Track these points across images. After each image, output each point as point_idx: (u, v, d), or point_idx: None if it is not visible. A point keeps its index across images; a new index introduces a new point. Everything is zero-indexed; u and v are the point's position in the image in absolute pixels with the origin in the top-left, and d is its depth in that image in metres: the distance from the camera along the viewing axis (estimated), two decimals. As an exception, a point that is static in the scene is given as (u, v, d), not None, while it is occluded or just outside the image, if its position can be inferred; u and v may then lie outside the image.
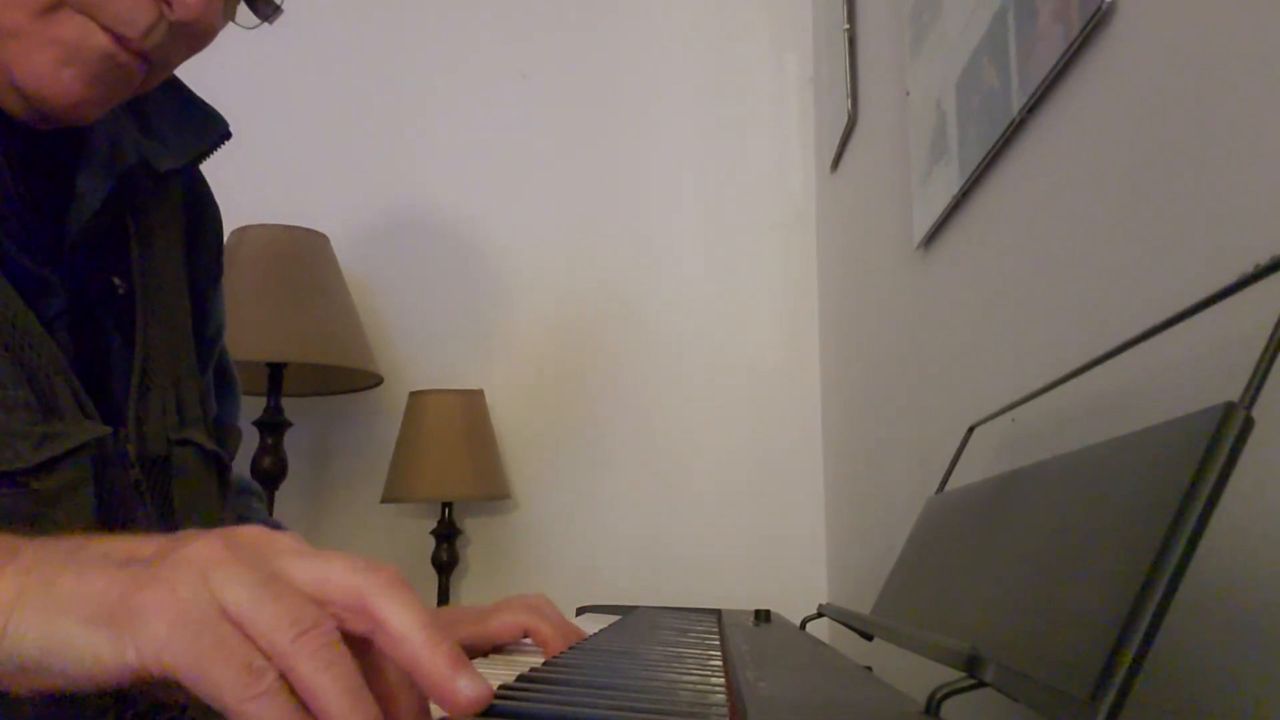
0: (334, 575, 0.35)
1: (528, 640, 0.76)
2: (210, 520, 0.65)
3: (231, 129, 0.69)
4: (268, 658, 0.32)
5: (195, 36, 0.57)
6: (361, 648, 0.35)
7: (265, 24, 0.62)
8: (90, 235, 0.59)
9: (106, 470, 0.56)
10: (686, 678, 0.51)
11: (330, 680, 0.32)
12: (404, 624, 0.35)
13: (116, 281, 0.61)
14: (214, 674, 0.32)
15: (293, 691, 0.32)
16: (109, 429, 0.56)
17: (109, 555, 0.36)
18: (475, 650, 0.75)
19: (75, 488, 0.52)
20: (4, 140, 0.54)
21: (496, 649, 0.76)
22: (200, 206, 0.72)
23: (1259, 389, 0.35)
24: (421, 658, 0.34)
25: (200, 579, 0.33)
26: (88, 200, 0.59)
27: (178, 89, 0.67)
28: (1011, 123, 0.81)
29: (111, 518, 0.55)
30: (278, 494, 1.77)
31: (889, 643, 0.61)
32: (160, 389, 0.62)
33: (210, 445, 0.67)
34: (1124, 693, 0.31)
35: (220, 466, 0.68)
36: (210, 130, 0.67)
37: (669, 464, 1.94)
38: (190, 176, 0.71)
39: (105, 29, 0.52)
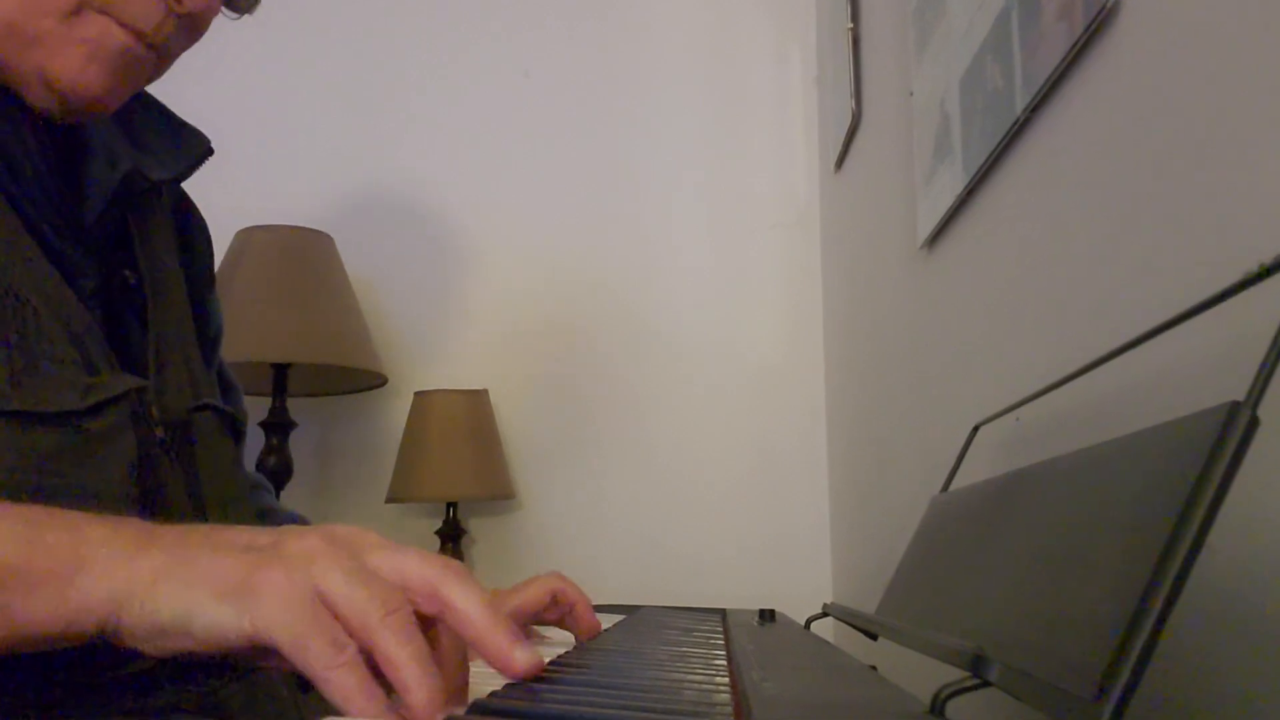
0: (411, 567, 0.43)
1: (547, 635, 0.79)
2: (228, 478, 0.71)
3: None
4: (355, 634, 0.39)
5: (195, 29, 0.64)
6: (423, 627, 0.41)
7: (247, 14, 0.69)
8: (101, 229, 0.64)
9: (138, 425, 0.60)
10: (691, 677, 0.51)
11: (408, 654, 0.39)
12: (469, 607, 0.42)
13: (127, 273, 0.66)
14: (307, 646, 0.39)
15: (368, 666, 0.39)
16: (145, 381, 0.62)
17: (233, 542, 0.43)
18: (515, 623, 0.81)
19: (119, 431, 0.58)
20: (34, 133, 0.60)
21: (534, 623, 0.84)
22: (187, 220, 0.78)
23: (1264, 388, 0.35)
24: (484, 634, 0.42)
25: (305, 567, 0.40)
26: (98, 195, 0.64)
27: (161, 110, 0.73)
28: (1015, 122, 0.81)
29: (144, 469, 0.60)
30: (283, 494, 1.77)
31: (894, 642, 0.61)
32: (175, 366, 0.68)
33: (226, 407, 0.73)
34: (1129, 693, 0.31)
35: (235, 429, 0.75)
36: (195, 147, 0.73)
37: (673, 464, 1.94)
38: (175, 191, 0.76)
39: (123, 25, 0.59)
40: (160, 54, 0.63)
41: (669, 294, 2.00)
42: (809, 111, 2.03)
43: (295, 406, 1.80)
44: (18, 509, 0.45)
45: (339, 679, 0.38)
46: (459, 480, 1.80)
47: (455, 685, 0.43)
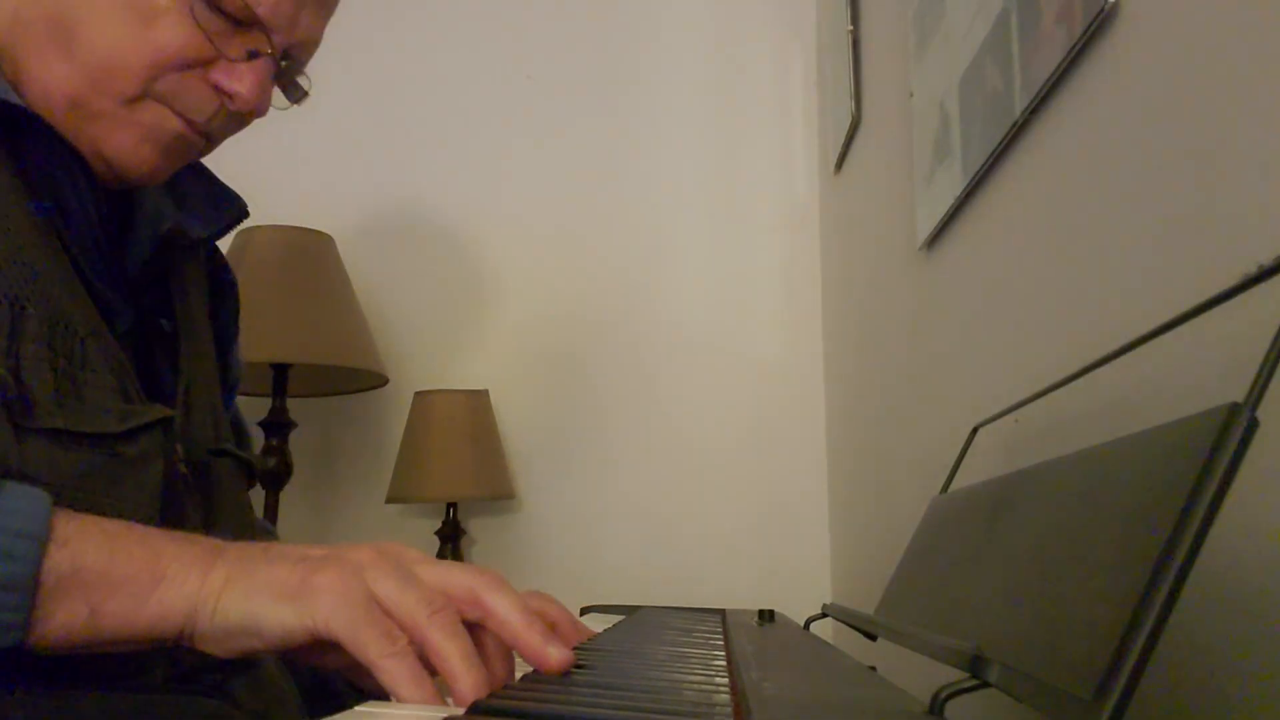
0: (453, 577, 0.50)
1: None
2: (241, 522, 0.75)
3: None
4: (406, 630, 0.45)
5: (243, 120, 0.69)
6: (468, 631, 0.47)
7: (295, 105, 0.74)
8: (141, 280, 0.69)
9: (166, 456, 0.64)
10: (691, 678, 0.51)
11: (454, 647, 0.45)
12: (506, 611, 0.49)
13: (163, 321, 0.71)
14: (363, 637, 0.45)
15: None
16: (174, 411, 0.66)
17: (289, 555, 0.50)
18: None
19: (149, 459, 0.61)
20: (88, 186, 0.64)
21: None
22: (220, 278, 0.82)
23: (1263, 390, 0.35)
24: (521, 635, 0.48)
25: (358, 573, 0.47)
26: (140, 249, 0.69)
27: (203, 172, 0.78)
28: (1014, 124, 0.81)
29: (168, 499, 0.63)
30: (282, 495, 1.77)
31: (893, 643, 0.61)
32: (200, 410, 0.72)
33: (243, 455, 0.77)
34: (1128, 693, 0.31)
35: (250, 474, 0.80)
36: (232, 209, 0.78)
37: (673, 465, 1.94)
38: (210, 248, 0.81)
39: (179, 115, 0.64)
40: (210, 139, 0.68)
41: (669, 295, 2.00)
42: (809, 113, 2.03)
43: (295, 406, 1.80)
44: (95, 521, 0.50)
45: (393, 666, 0.44)
46: (459, 481, 1.80)
47: (500, 680, 0.48)
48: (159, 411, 0.63)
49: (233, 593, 0.47)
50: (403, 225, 2.09)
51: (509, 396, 1.97)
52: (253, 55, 0.65)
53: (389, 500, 1.84)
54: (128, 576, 0.47)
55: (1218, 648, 0.50)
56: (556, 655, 0.48)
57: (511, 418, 1.98)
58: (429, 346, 2.03)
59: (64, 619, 0.46)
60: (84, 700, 0.52)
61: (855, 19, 1.58)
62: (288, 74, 0.70)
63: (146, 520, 0.59)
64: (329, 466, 2.02)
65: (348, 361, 1.75)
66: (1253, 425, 0.34)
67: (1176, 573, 0.32)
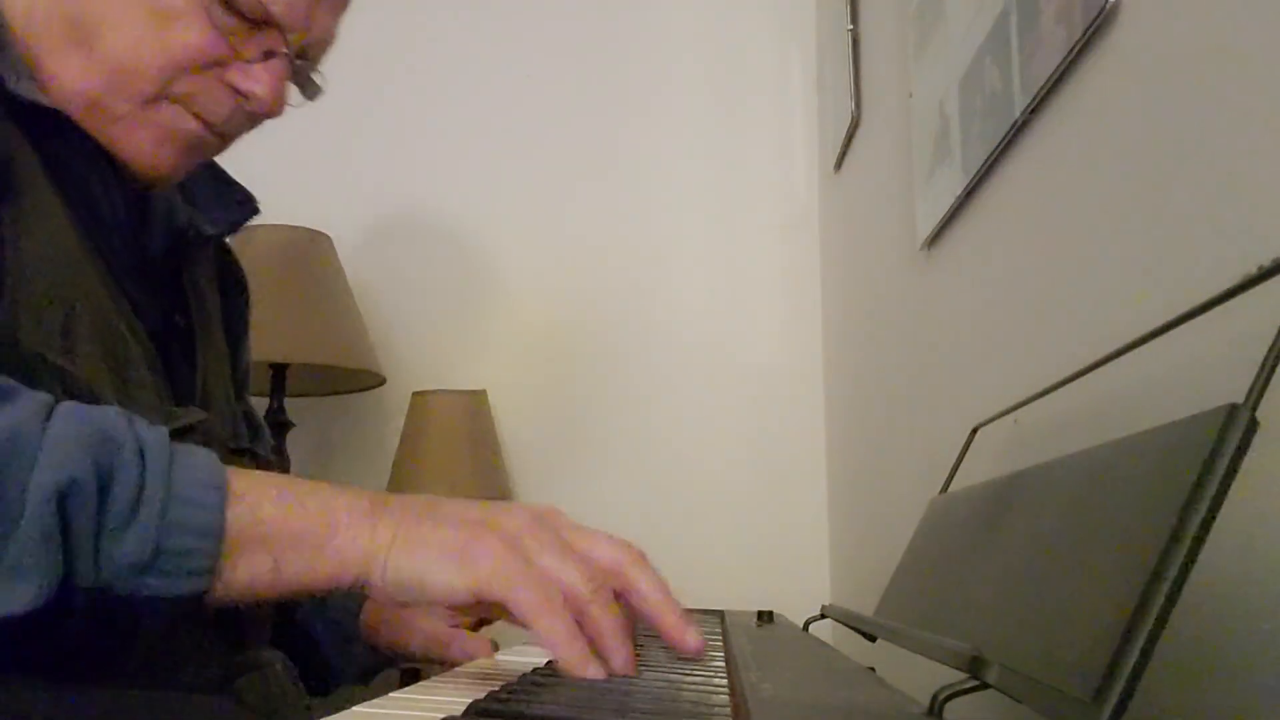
0: (603, 549, 0.53)
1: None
2: None
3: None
4: (567, 601, 0.49)
5: (258, 118, 0.69)
6: None
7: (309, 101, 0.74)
8: (157, 276, 0.69)
9: None
10: (689, 679, 0.51)
11: (610, 622, 0.50)
12: (650, 590, 0.53)
13: (178, 317, 0.71)
14: (523, 595, 0.48)
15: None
16: (207, 415, 0.67)
17: (450, 516, 0.51)
18: None
19: None
20: (116, 184, 0.65)
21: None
22: (230, 270, 0.83)
23: (1263, 390, 0.35)
24: (663, 614, 0.53)
25: (517, 541, 0.50)
26: (154, 245, 0.69)
27: (214, 169, 0.78)
28: (1014, 124, 0.81)
29: None
30: (281, 494, 1.77)
31: (892, 644, 0.61)
32: (218, 408, 0.73)
33: (263, 453, 0.79)
34: (1127, 695, 0.31)
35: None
36: (243, 207, 0.79)
37: (672, 465, 1.94)
38: (220, 246, 0.82)
39: (195, 116, 0.64)
40: (226, 138, 0.68)
41: (668, 295, 2.00)
42: (809, 112, 2.03)
43: (293, 406, 1.80)
44: (265, 475, 0.52)
45: (550, 624, 0.47)
46: (457, 481, 1.80)
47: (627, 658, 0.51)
48: (196, 414, 0.64)
49: (403, 550, 0.49)
50: (402, 225, 2.09)
51: (507, 397, 1.97)
52: (268, 55, 0.65)
53: (387, 500, 1.84)
54: (305, 529, 0.49)
55: (1218, 649, 0.50)
56: (694, 639, 0.52)
57: (510, 418, 1.97)
58: (427, 347, 2.03)
59: (248, 569, 0.48)
60: (100, 696, 0.52)
61: (855, 18, 1.58)
62: (303, 71, 0.71)
63: None
64: (326, 467, 2.02)
65: (346, 361, 1.75)
66: (1253, 426, 0.34)
67: (1176, 574, 0.32)
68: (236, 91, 0.65)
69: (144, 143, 0.64)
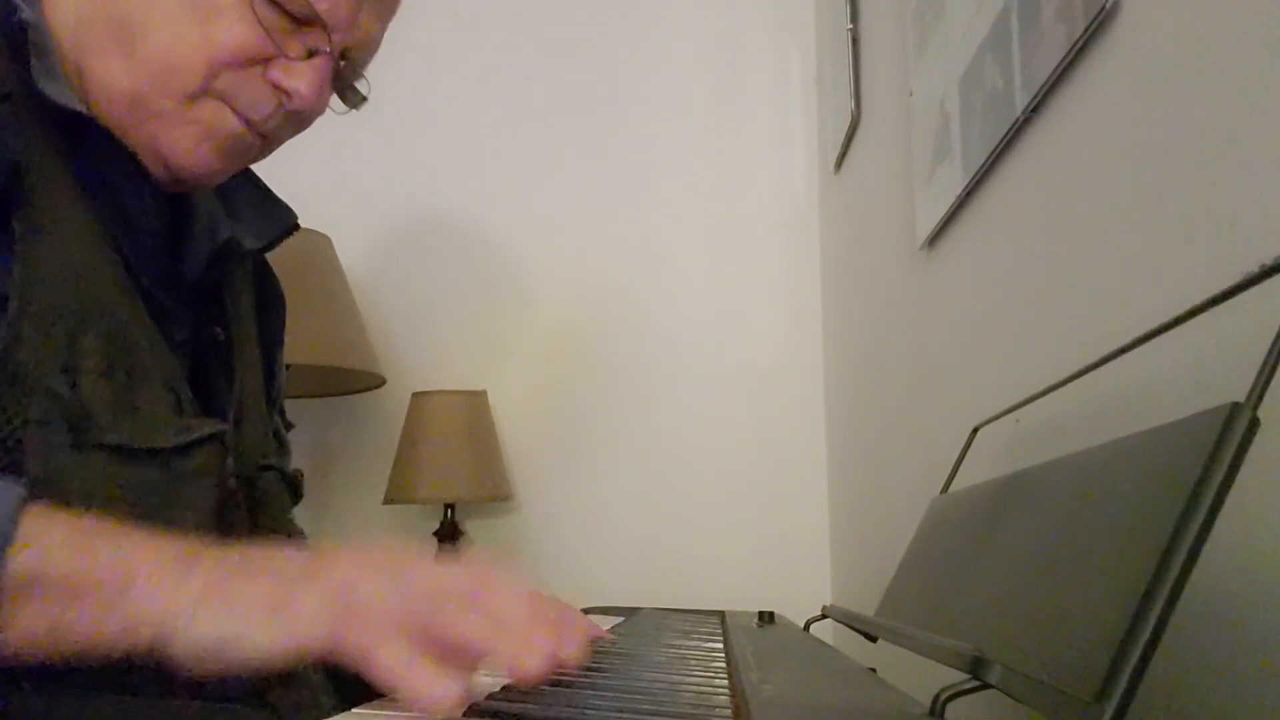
0: (448, 578, 0.47)
1: None
2: (285, 535, 0.76)
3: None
4: (403, 627, 0.43)
5: (303, 121, 0.69)
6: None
7: (353, 110, 0.73)
8: (197, 289, 0.69)
9: (220, 471, 0.64)
10: (690, 679, 0.51)
11: (466, 628, 0.43)
12: (508, 607, 0.46)
13: (218, 330, 0.71)
14: (350, 641, 0.43)
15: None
16: (227, 425, 0.66)
17: (270, 566, 0.47)
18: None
19: (202, 474, 0.62)
20: (149, 192, 0.64)
21: None
22: (267, 283, 0.84)
23: (1264, 389, 0.34)
24: (496, 645, 0.44)
25: (342, 585, 0.45)
26: (198, 257, 0.69)
27: (255, 182, 0.79)
28: (1015, 122, 0.80)
29: (221, 514, 0.64)
30: (281, 495, 1.77)
31: (893, 644, 0.61)
32: (252, 422, 0.73)
33: (291, 471, 0.78)
34: (1129, 695, 0.31)
35: (294, 490, 0.80)
36: (282, 220, 0.80)
37: (672, 465, 1.94)
38: (258, 260, 0.82)
39: (237, 114, 0.64)
40: (267, 140, 0.68)
41: (668, 295, 2.00)
42: (808, 112, 2.03)
43: (292, 407, 1.79)
44: (67, 519, 0.47)
45: (384, 661, 0.42)
46: (457, 482, 1.80)
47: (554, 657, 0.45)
48: (213, 425, 0.63)
49: (208, 607, 0.44)
50: (401, 226, 2.08)
51: (507, 397, 1.97)
52: (312, 54, 0.65)
53: (386, 501, 1.84)
54: (94, 583, 0.44)
55: (1220, 649, 0.49)
56: (535, 663, 0.44)
57: (509, 418, 1.97)
58: (427, 347, 2.03)
59: (26, 625, 0.44)
60: (105, 705, 0.51)
61: (855, 17, 1.58)
62: (346, 76, 0.70)
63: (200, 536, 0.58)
64: (326, 467, 2.01)
65: (345, 362, 1.75)
66: (1254, 425, 0.34)
67: (1178, 574, 0.32)
68: (278, 89, 0.64)
69: (184, 140, 0.63)
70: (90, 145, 0.60)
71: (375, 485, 1.89)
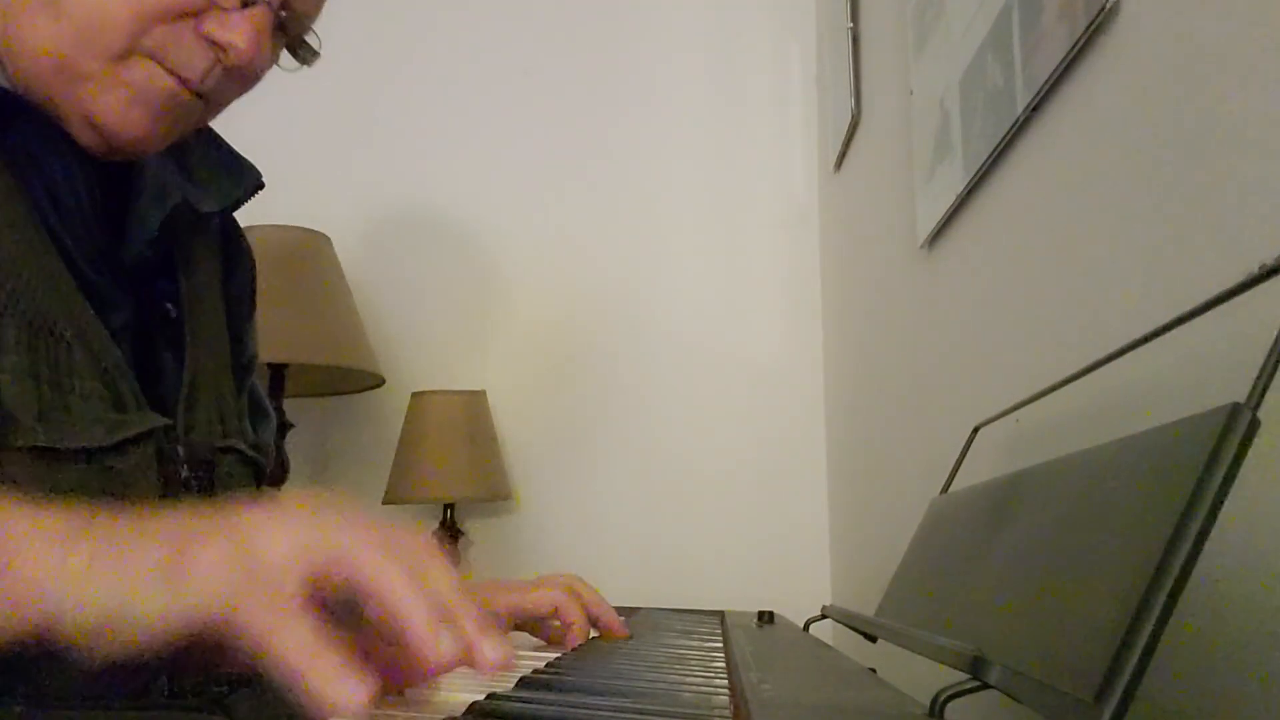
0: (376, 535, 0.39)
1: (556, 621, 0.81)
2: None
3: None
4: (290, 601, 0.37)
5: (245, 79, 0.64)
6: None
7: (304, 66, 0.69)
8: (144, 262, 0.65)
9: (163, 464, 0.62)
10: (689, 679, 0.51)
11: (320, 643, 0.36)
12: (439, 581, 0.40)
13: (169, 306, 0.67)
14: (246, 618, 0.37)
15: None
16: (169, 420, 0.63)
17: (170, 526, 0.41)
18: (513, 620, 0.83)
19: (143, 470, 0.59)
20: (81, 168, 0.61)
21: (528, 624, 0.85)
22: (235, 248, 0.79)
23: (1265, 390, 0.34)
24: (413, 616, 0.38)
25: (245, 544, 0.39)
26: (143, 229, 0.65)
27: (216, 142, 0.74)
28: (1015, 121, 0.80)
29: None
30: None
31: (893, 644, 0.61)
32: (205, 404, 0.69)
33: (251, 453, 0.74)
34: (1129, 695, 0.31)
35: (258, 473, 0.75)
36: (246, 180, 0.74)
37: (672, 465, 1.94)
38: (225, 220, 0.77)
39: (170, 72, 0.60)
40: (209, 100, 0.63)
41: (668, 294, 2.00)
42: (808, 111, 2.03)
43: (292, 407, 1.80)
44: None
45: (281, 642, 0.36)
46: (456, 481, 1.80)
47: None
48: (151, 420, 0.60)
49: (95, 578, 0.38)
50: (400, 225, 2.08)
51: (506, 397, 1.97)
52: (247, 3, 0.61)
53: (386, 501, 1.84)
54: None
55: (1219, 649, 0.49)
56: (446, 650, 0.38)
57: (509, 418, 1.97)
58: (426, 347, 2.03)
59: None
60: (78, 716, 0.50)
61: (855, 16, 1.58)
62: (292, 30, 0.66)
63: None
64: (326, 467, 2.01)
65: (345, 362, 1.75)
66: (1254, 426, 0.34)
67: (1178, 574, 0.32)
68: (213, 43, 0.60)
69: (115, 103, 0.59)
70: (12, 120, 0.58)
71: (375, 485, 1.89)
